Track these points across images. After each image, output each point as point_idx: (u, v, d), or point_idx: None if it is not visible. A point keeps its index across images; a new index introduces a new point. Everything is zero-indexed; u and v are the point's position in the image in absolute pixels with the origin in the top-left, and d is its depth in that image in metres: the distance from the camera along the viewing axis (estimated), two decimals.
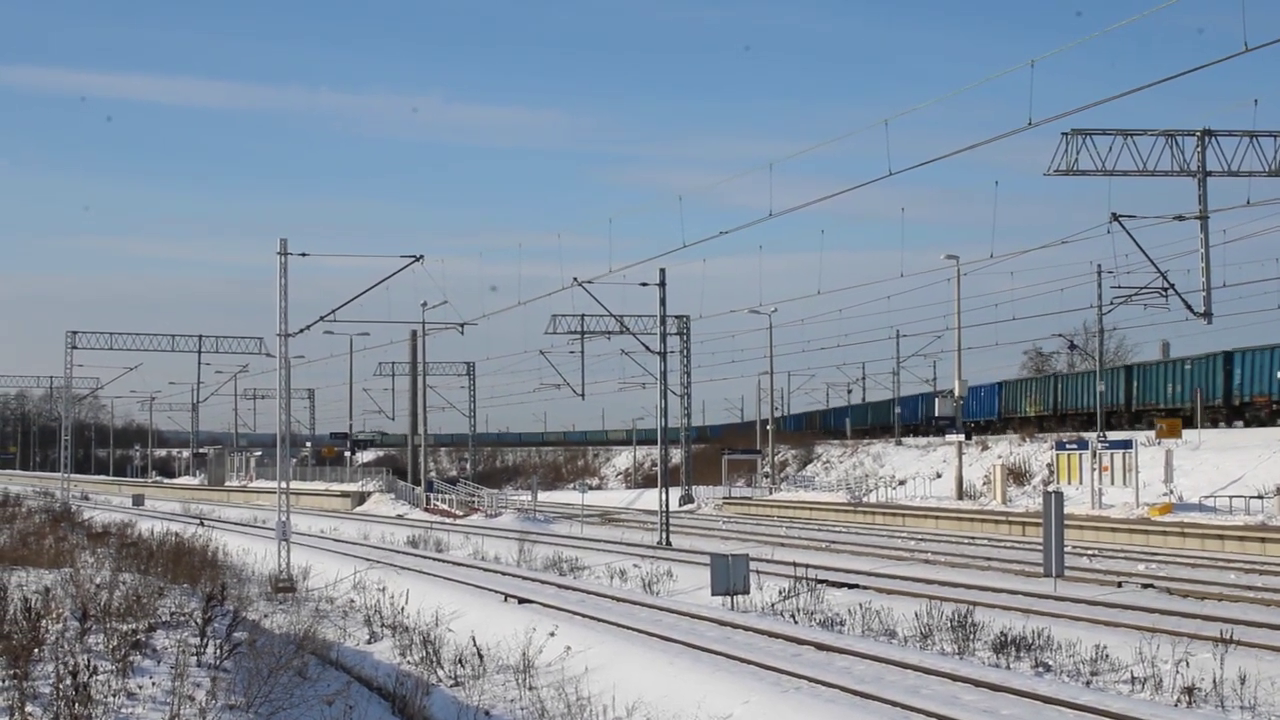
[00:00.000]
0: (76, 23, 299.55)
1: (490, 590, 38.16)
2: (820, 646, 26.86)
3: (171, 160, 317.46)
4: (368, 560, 48.44)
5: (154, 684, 18.92)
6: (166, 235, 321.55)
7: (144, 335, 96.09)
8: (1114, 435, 68.56)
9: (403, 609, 35.06)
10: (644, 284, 61.80)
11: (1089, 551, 46.96)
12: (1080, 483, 64.09)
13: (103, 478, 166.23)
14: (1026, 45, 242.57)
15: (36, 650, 19.71)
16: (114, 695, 17.98)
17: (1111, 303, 67.14)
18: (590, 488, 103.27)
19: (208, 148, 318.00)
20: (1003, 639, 26.58)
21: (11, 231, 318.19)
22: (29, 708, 16.72)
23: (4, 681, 18.18)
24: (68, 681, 17.10)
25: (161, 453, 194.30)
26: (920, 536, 58.14)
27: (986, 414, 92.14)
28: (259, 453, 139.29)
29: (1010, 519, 61.46)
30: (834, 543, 54.52)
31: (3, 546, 44.06)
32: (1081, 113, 36.22)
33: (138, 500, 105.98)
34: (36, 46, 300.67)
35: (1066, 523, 39.58)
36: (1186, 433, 66.01)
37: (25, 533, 51.77)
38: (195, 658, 21.50)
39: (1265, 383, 67.24)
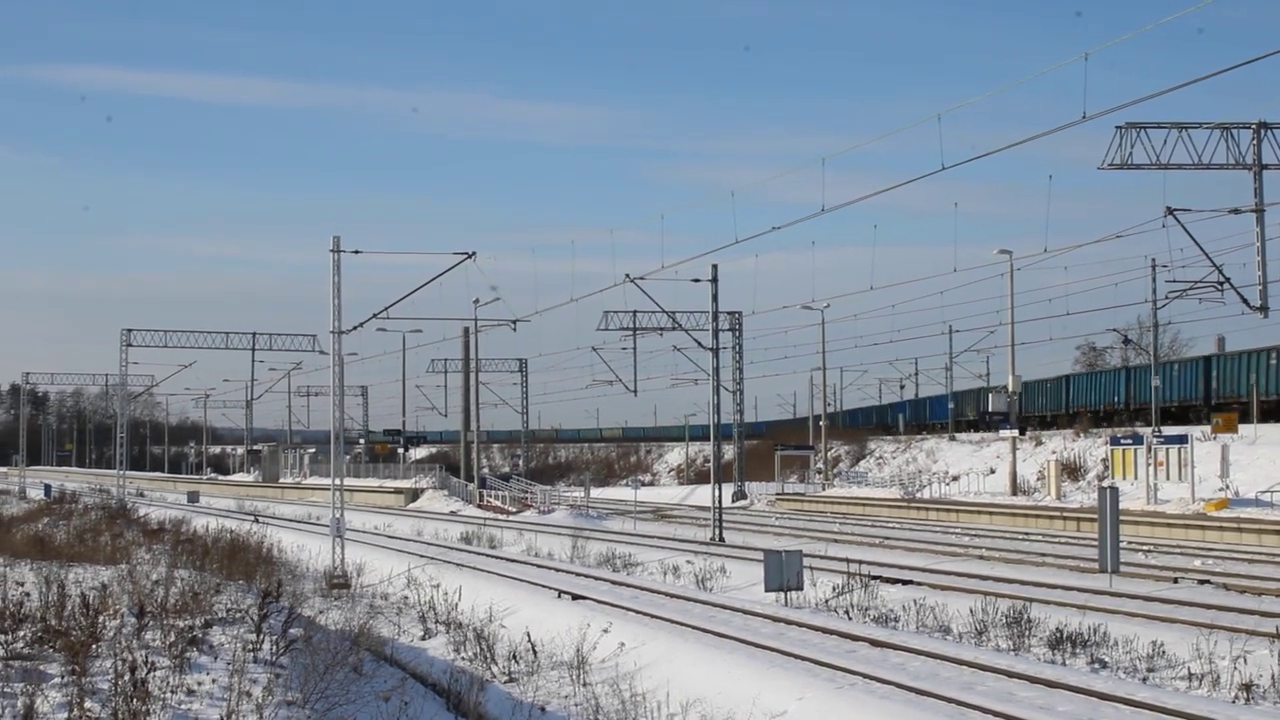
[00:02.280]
0: (125, 21, 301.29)
1: (544, 586, 38.22)
2: (874, 643, 26.81)
3: (224, 159, 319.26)
4: (421, 556, 48.58)
5: (211, 680, 19.02)
6: (220, 233, 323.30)
7: (198, 333, 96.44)
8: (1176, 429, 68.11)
9: (456, 605, 35.12)
10: (696, 280, 61.80)
11: (1144, 547, 46.68)
12: (1135, 478, 63.71)
13: (158, 475, 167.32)
14: (1080, 38, 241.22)
15: (94, 646, 19.84)
16: (172, 691, 18.08)
17: (1166, 297, 66.72)
18: (643, 484, 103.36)
19: (260, 146, 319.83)
20: (1058, 635, 26.49)
21: (67, 231, 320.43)
22: (88, 704, 16.83)
23: (63, 677, 18.32)
24: (126, 677, 17.21)
25: (216, 450, 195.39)
26: (974, 532, 57.94)
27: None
28: (313, 449, 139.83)
29: (1065, 514, 61.17)
30: (887, 539, 54.38)
31: (60, 543, 44.48)
32: (1136, 106, 36.10)
33: (193, 497, 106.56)
34: (89, 45, 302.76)
35: (1122, 518, 39.33)
36: (1243, 427, 65.53)
37: (82, 529, 52.29)
38: (252, 654, 21.61)
39: None
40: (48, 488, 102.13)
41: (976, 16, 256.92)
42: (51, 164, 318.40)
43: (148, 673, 17.67)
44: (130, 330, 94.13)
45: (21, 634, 21.12)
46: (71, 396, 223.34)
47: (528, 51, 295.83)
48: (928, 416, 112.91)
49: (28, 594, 24.41)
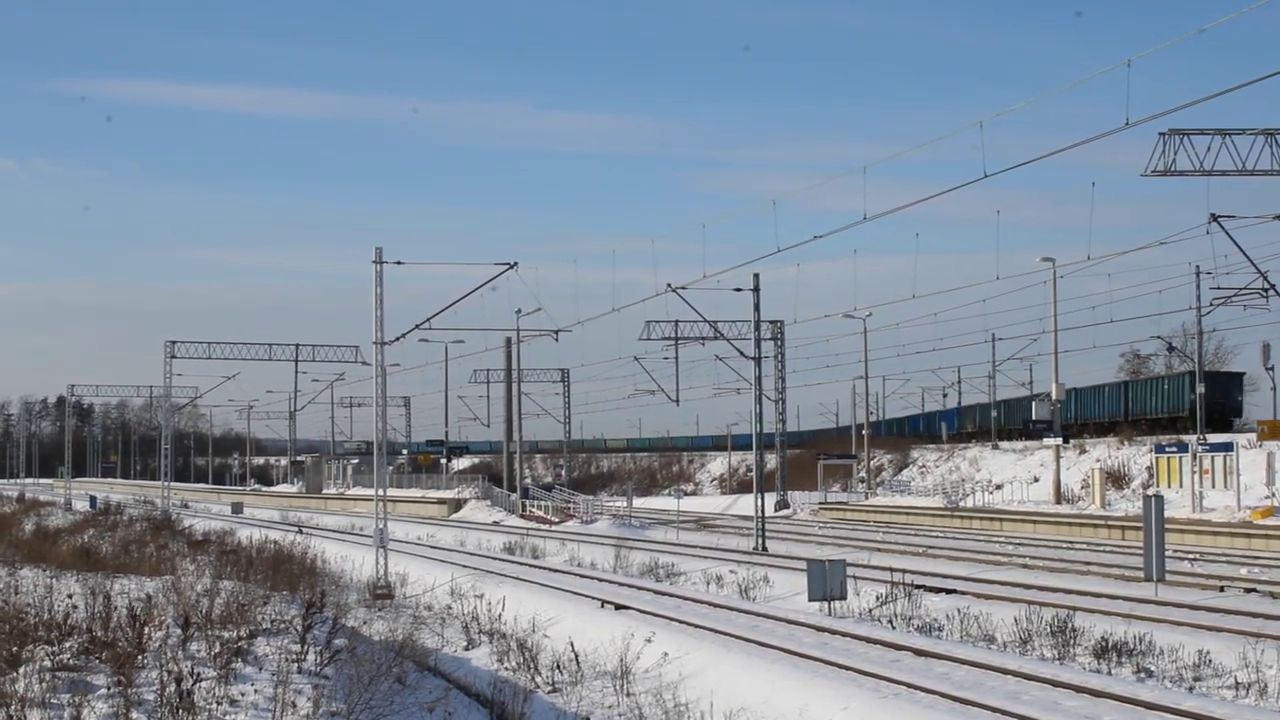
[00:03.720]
0: (167, 34, 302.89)
1: (587, 596, 38.23)
2: (919, 652, 26.74)
3: (266, 171, 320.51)
4: (465, 567, 48.65)
5: (255, 691, 19.08)
6: (262, 245, 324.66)
7: (241, 344, 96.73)
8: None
9: (500, 615, 35.15)
10: (738, 289, 61.70)
11: (1190, 556, 46.44)
12: (1180, 486, 63.42)
13: (202, 486, 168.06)
14: (1122, 44, 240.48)
15: (140, 657, 19.94)
16: (217, 702, 18.15)
17: (1211, 304, 66.56)
18: (685, 493, 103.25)
19: (302, 158, 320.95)
20: (1103, 644, 26.37)
21: (110, 243, 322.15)
22: (133, 714, 16.91)
23: (109, 688, 18.41)
24: (172, 688, 17.29)
25: (259, 461, 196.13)
26: (1018, 541, 57.69)
27: None
28: (356, 460, 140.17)
29: (1109, 523, 60.89)
30: (931, 548, 54.24)
31: (106, 555, 44.71)
32: (1179, 112, 35.90)
33: (237, 508, 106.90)
34: (129, 58, 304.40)
35: (1167, 526, 39.15)
36: None
37: (127, 541, 52.56)
38: (296, 665, 21.67)
39: None
40: (93, 499, 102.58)
41: (1018, 24, 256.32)
42: (94, 176, 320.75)
43: (193, 684, 17.74)
44: (174, 342, 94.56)
45: (68, 645, 21.23)
46: (116, 408, 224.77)
47: (566, 61, 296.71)
48: (955, 426, 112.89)
49: (75, 605, 24.53)
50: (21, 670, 19.12)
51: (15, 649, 20.04)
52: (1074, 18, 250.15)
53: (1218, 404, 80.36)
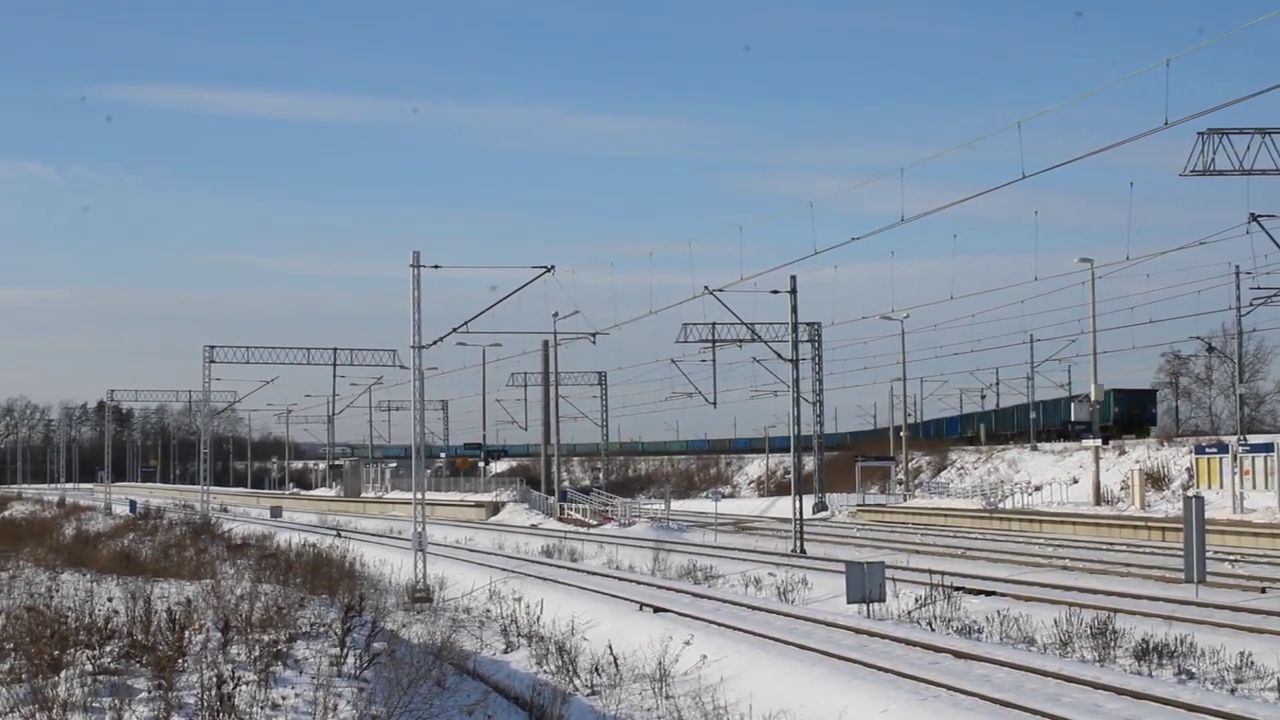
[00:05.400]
0: (205, 39, 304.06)
1: (625, 599, 38.22)
2: (958, 654, 26.67)
3: (302, 174, 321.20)
4: (503, 570, 48.69)
5: (296, 694, 19.14)
6: (299, 249, 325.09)
7: (279, 349, 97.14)
8: None
9: (538, 618, 35.18)
10: (775, 291, 61.69)
11: (1231, 557, 46.20)
12: (1221, 487, 63.10)
13: (241, 490, 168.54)
14: (1160, 44, 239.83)
15: (181, 661, 20.02)
16: (259, 706, 18.21)
17: (1251, 304, 66.23)
18: (723, 496, 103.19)
19: (338, 161, 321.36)
20: (1144, 646, 26.27)
21: (149, 248, 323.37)
22: (174, 718, 16.98)
23: (150, 692, 18.48)
24: (212, 692, 17.36)
25: (298, 465, 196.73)
26: (1057, 542, 57.50)
27: None
28: (394, 464, 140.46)
29: (1149, 524, 60.65)
30: (969, 549, 54.09)
31: (146, 559, 44.88)
32: (1218, 111, 35.68)
33: (275, 512, 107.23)
34: (164, 63, 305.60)
35: (1207, 528, 38.96)
36: None
37: (167, 545, 52.76)
38: (336, 668, 21.73)
39: None
40: (133, 504, 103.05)
41: (1055, 24, 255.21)
42: (130, 182, 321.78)
43: (234, 687, 17.81)
44: (213, 347, 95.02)
45: (109, 649, 21.33)
46: (155, 413, 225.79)
47: (598, 66, 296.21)
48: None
49: (115, 609, 24.64)
50: (63, 674, 19.22)
51: (57, 653, 20.14)
52: (1109, 18, 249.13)
53: (1135, 416, 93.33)
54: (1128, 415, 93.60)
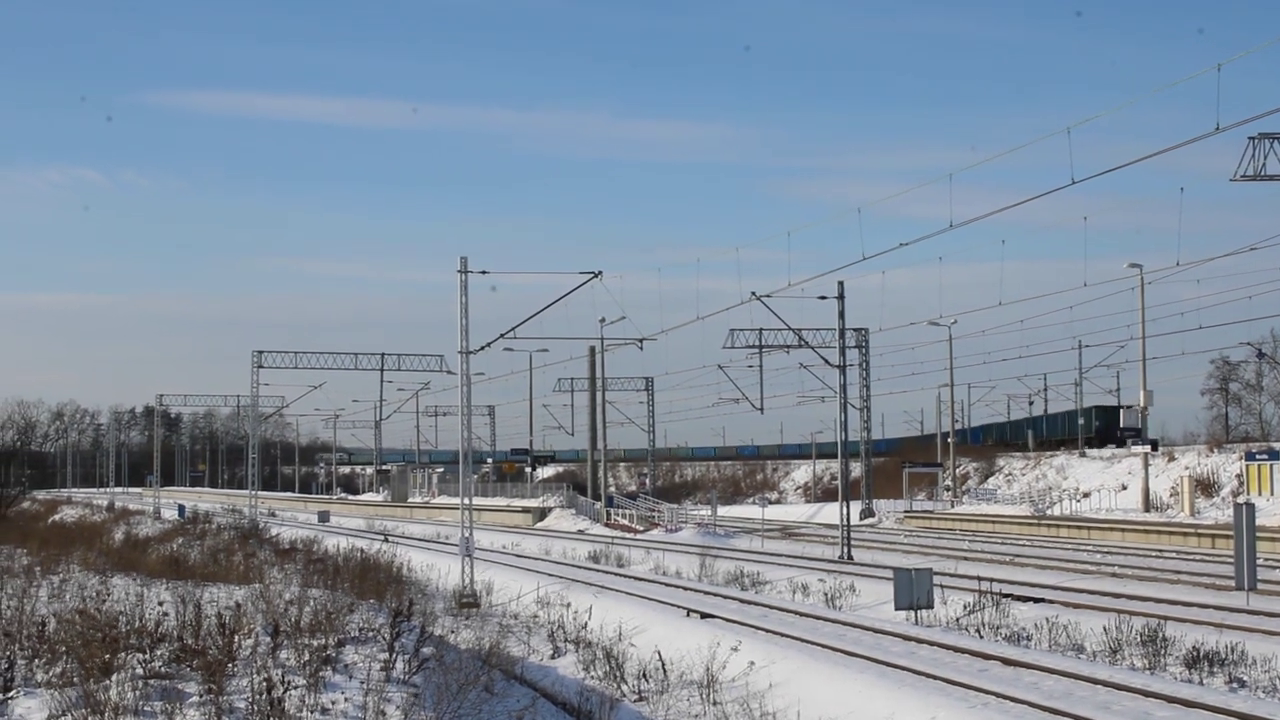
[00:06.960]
0: (256, 44, 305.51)
1: (672, 605, 38.19)
2: (1007, 661, 26.57)
3: (350, 180, 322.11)
4: (550, 575, 48.71)
5: (345, 699, 19.20)
6: (347, 255, 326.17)
7: (327, 354, 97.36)
8: None
9: (585, 624, 35.21)
10: (822, 297, 61.62)
11: None
12: (1271, 494, 62.74)
13: (289, 494, 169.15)
14: (1211, 50, 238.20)
15: (231, 665, 20.11)
16: (309, 711, 18.28)
17: None
18: (769, 502, 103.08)
19: (386, 167, 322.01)
20: (1195, 654, 26.14)
21: (198, 254, 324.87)
22: None
23: (201, 696, 18.57)
24: (263, 696, 17.43)
25: (345, 469, 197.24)
26: (1106, 549, 57.25)
27: None
28: (441, 469, 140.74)
29: (1199, 531, 60.31)
30: (1018, 556, 53.90)
31: (195, 563, 45.10)
32: (1270, 116, 35.47)
33: (323, 517, 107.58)
34: (211, 71, 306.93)
35: (1258, 534, 38.74)
36: None
37: (215, 549, 52.98)
38: (385, 673, 21.79)
39: None
40: (181, 508, 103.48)
41: (1106, 29, 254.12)
42: (179, 187, 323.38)
43: (284, 691, 17.88)
44: (261, 352, 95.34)
45: (159, 653, 21.45)
46: (204, 418, 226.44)
47: (644, 71, 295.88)
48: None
49: (165, 613, 24.77)
50: (114, 678, 19.32)
51: (108, 656, 20.26)
52: (1159, 24, 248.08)
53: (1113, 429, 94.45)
54: (1105, 429, 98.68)
